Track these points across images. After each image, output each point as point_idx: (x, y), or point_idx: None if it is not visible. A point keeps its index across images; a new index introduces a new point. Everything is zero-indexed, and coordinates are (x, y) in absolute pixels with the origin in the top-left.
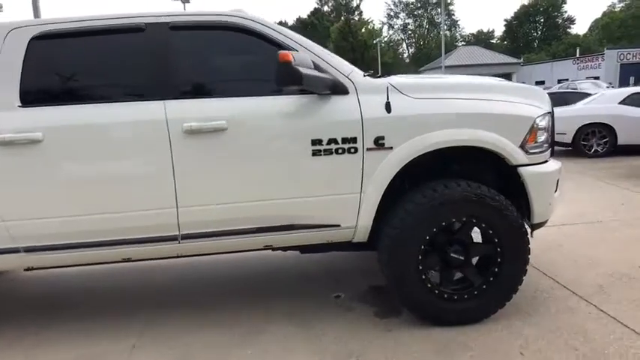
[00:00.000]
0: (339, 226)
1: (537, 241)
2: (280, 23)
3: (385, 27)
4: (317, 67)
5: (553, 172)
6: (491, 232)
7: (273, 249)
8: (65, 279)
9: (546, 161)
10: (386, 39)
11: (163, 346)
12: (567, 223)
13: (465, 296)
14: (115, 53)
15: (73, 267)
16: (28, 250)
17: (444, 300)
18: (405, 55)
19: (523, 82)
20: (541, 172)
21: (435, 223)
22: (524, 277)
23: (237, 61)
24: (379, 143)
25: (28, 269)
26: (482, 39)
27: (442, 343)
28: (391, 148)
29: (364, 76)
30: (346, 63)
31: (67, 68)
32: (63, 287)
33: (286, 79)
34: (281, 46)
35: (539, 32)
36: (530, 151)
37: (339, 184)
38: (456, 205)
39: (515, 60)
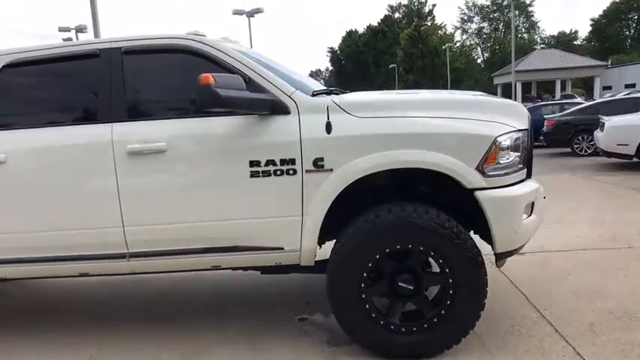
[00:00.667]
0: (282, 249)
1: (542, 267)
2: (350, 32)
3: (458, 32)
4: (259, 88)
5: (520, 196)
6: (441, 261)
7: (224, 269)
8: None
9: (514, 184)
10: (459, 44)
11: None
12: (590, 247)
13: (414, 329)
14: (73, 78)
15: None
16: None
17: (391, 332)
18: (480, 60)
19: (609, 87)
20: (502, 197)
21: (377, 249)
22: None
23: (183, 82)
24: (318, 165)
25: None
26: (563, 41)
27: None
28: (331, 170)
29: (330, 93)
30: (286, 84)
31: (28, 93)
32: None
33: (207, 101)
34: (226, 68)
35: (632, 30)
36: (490, 173)
37: (280, 207)
38: (398, 231)
39: (598, 62)
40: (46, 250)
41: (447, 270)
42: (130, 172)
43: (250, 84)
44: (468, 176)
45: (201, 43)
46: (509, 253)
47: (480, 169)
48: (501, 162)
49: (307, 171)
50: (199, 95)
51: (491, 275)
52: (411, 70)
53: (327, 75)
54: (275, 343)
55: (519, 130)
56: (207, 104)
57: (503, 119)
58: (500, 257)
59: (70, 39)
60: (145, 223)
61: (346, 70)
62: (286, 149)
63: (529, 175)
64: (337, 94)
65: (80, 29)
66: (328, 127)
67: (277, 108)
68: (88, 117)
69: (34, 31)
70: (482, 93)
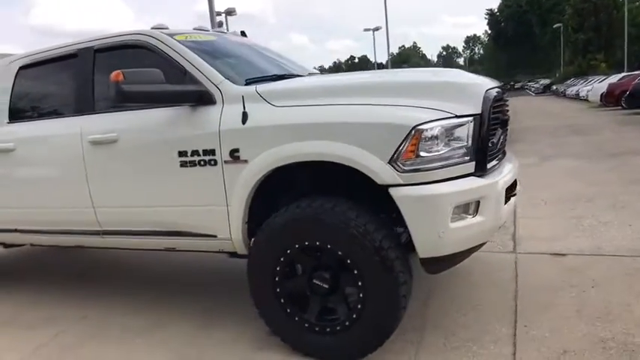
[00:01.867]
0: (215, 236)
1: (573, 273)
2: None
3: None
4: (192, 79)
5: (444, 195)
6: (349, 261)
7: (179, 251)
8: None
9: (452, 179)
10: None
11: (104, 321)
12: None
13: (328, 329)
14: (60, 76)
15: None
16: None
17: (306, 330)
18: None
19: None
20: (421, 195)
21: (287, 244)
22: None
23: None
24: (234, 156)
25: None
26: None
27: None
28: (246, 161)
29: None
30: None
31: (33, 91)
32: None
33: (115, 97)
34: (169, 61)
35: None
36: (407, 168)
37: (207, 196)
38: (305, 227)
39: None
40: (45, 224)
41: (356, 271)
42: (94, 159)
43: (186, 75)
44: (379, 171)
45: (153, 38)
46: (437, 260)
47: (394, 164)
48: (423, 155)
49: (225, 162)
50: (111, 91)
51: (498, 278)
52: (581, 28)
53: (486, 39)
54: (226, 324)
55: (461, 116)
56: (115, 99)
57: (440, 103)
58: (428, 264)
59: (220, 23)
60: (107, 205)
61: (506, 33)
62: (208, 140)
63: (481, 169)
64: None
65: (229, 12)
66: (244, 117)
67: (203, 98)
68: (70, 110)
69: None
70: (438, 70)
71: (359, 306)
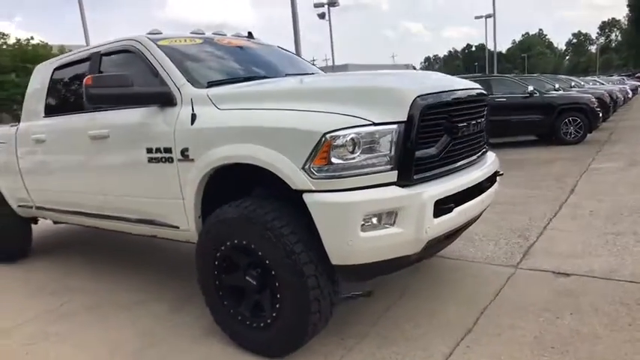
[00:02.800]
0: (178, 227)
1: (561, 297)
2: None
3: None
4: (162, 82)
5: (353, 204)
6: (267, 262)
7: (160, 238)
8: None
9: (370, 187)
10: None
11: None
12: None
13: (254, 325)
14: (77, 77)
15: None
16: (38, 208)
17: (239, 322)
18: None
19: None
20: (330, 202)
21: (220, 241)
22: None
23: (133, 77)
24: (184, 155)
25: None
26: None
27: None
28: (193, 160)
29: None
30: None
31: (61, 89)
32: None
33: (86, 99)
34: (147, 65)
35: None
36: (318, 174)
37: (168, 190)
38: (231, 226)
39: None
40: (68, 205)
41: (273, 272)
42: (92, 152)
43: (158, 77)
44: (293, 176)
45: (139, 43)
46: (357, 270)
47: (307, 169)
48: (335, 162)
49: (179, 160)
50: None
51: (477, 293)
52: None
53: (626, 24)
54: (192, 310)
55: (379, 124)
56: (86, 101)
57: (358, 110)
58: (342, 271)
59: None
60: (102, 192)
61: None
62: (166, 139)
63: (404, 179)
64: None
65: (332, 3)
66: (192, 119)
67: (166, 100)
68: (82, 107)
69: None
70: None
71: (277, 305)
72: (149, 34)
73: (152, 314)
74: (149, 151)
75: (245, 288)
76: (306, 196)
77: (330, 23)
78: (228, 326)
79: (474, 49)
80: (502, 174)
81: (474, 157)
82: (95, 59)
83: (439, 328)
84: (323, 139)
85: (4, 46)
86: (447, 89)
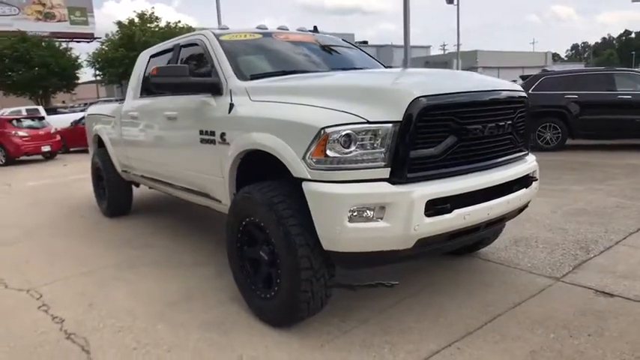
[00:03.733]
0: (220, 201)
1: (583, 316)
2: None
3: None
4: (215, 73)
5: (341, 195)
6: (273, 240)
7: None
8: None
9: (362, 181)
10: None
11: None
12: None
13: (262, 295)
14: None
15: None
16: (133, 173)
17: (252, 292)
18: None
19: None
20: (322, 192)
21: (240, 218)
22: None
23: (195, 67)
24: (223, 138)
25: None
26: None
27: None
28: (229, 144)
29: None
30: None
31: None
32: None
33: (152, 86)
34: (209, 57)
35: None
36: (315, 165)
37: (212, 168)
38: (248, 204)
39: None
40: (151, 174)
41: (275, 250)
42: (165, 129)
43: (213, 69)
44: (295, 165)
45: (204, 37)
46: (347, 258)
47: (306, 160)
48: (331, 155)
49: (219, 142)
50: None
51: (499, 300)
52: None
53: None
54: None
55: (374, 122)
56: (153, 88)
57: (358, 108)
58: (335, 258)
59: None
60: (171, 165)
61: None
62: (212, 123)
63: (397, 176)
64: None
65: None
66: (230, 108)
67: (216, 90)
68: (164, 92)
69: None
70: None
71: (278, 281)
72: (220, 29)
73: (198, 275)
74: (201, 132)
75: (260, 261)
76: (304, 184)
77: (457, 7)
78: (246, 293)
79: (633, 35)
80: (536, 179)
81: (494, 160)
82: (177, 49)
83: (440, 327)
84: (320, 133)
85: (157, 29)
86: (455, 91)
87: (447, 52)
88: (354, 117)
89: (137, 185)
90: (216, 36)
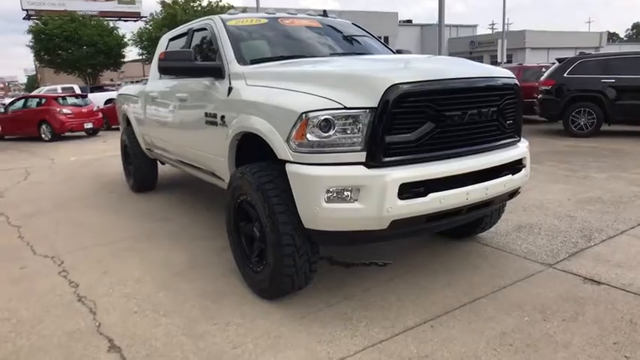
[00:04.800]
0: (224, 180)
1: (562, 301)
2: None
3: None
4: (219, 58)
5: (318, 177)
6: (260, 217)
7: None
8: None
9: (341, 164)
10: None
11: (176, 226)
12: None
13: (254, 268)
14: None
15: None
16: (154, 151)
17: (247, 265)
18: None
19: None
20: (301, 173)
21: (237, 195)
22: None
23: (205, 51)
24: (223, 120)
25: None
26: None
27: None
28: (227, 125)
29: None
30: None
31: None
32: None
33: (159, 70)
34: (215, 41)
35: None
36: (297, 148)
37: (216, 148)
38: (242, 183)
39: None
40: (166, 151)
41: (264, 227)
42: (178, 110)
43: (217, 53)
44: (279, 147)
45: (212, 21)
46: (325, 236)
47: (288, 143)
48: (310, 138)
49: (220, 124)
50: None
51: (485, 284)
52: None
53: None
54: None
55: (351, 108)
56: (159, 72)
57: (337, 94)
58: (314, 235)
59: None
60: (182, 144)
61: None
62: (214, 105)
63: (373, 160)
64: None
65: None
66: (229, 91)
67: (218, 74)
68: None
69: None
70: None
71: (266, 256)
72: (230, 14)
73: (205, 248)
74: (206, 114)
75: (253, 237)
76: (287, 166)
77: None
78: (241, 266)
79: None
80: (524, 165)
81: (475, 146)
82: (190, 34)
83: (419, 306)
84: (302, 117)
85: (199, 8)
86: (433, 78)
87: (494, 31)
88: (333, 102)
89: (163, 163)
90: (224, 21)
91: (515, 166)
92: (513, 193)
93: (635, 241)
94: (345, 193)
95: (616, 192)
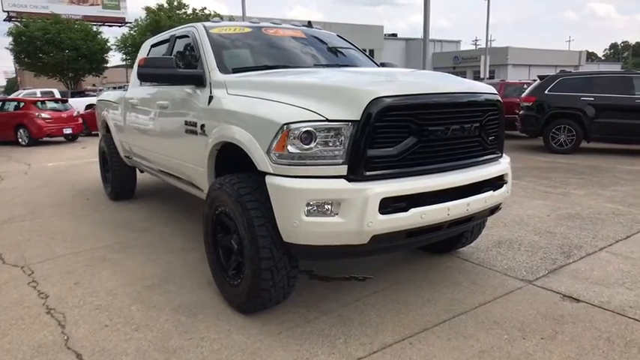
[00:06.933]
0: (203, 190)
1: (536, 321)
2: None
3: None
4: (201, 65)
5: (298, 190)
6: (239, 230)
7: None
8: None
9: (322, 177)
10: None
11: (156, 236)
12: None
13: (231, 282)
14: (162, 54)
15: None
16: (132, 159)
17: (223, 278)
18: None
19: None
20: (281, 186)
21: (215, 206)
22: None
23: (187, 58)
24: (203, 129)
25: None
26: None
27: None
28: (207, 135)
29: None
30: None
31: None
32: None
33: (138, 76)
34: (197, 48)
35: None
36: (277, 160)
37: (195, 158)
38: (220, 194)
39: None
40: (148, 161)
41: (242, 240)
42: (158, 117)
43: (199, 61)
44: (259, 159)
45: (195, 29)
46: (305, 250)
47: (269, 154)
48: (291, 150)
49: (199, 133)
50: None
51: (462, 299)
52: None
53: None
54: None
55: (332, 121)
56: (138, 79)
57: (320, 106)
58: (293, 249)
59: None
60: (162, 153)
61: None
62: (195, 114)
63: (354, 173)
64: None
65: None
66: (209, 100)
67: (199, 82)
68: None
69: None
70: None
71: (243, 269)
72: (212, 21)
73: (183, 259)
74: (186, 123)
75: (231, 249)
76: (267, 178)
77: (488, 1)
78: (218, 279)
79: None
80: (506, 182)
81: (457, 161)
82: (172, 40)
83: (399, 322)
84: (283, 128)
85: (184, 15)
86: (416, 92)
87: (478, 47)
88: (315, 114)
89: (142, 171)
90: (206, 28)
91: (496, 182)
92: (494, 209)
93: (613, 258)
94: (326, 206)
95: (594, 209)
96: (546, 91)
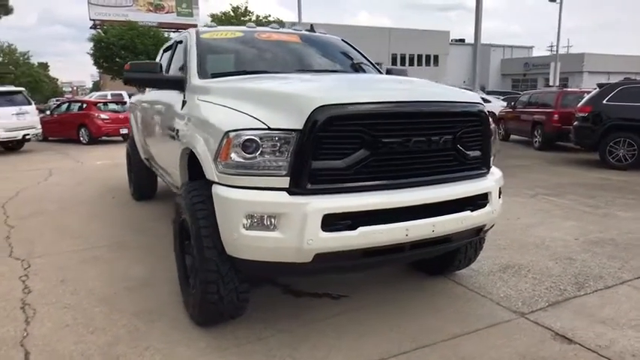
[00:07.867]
0: None
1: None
2: None
3: None
4: (185, 71)
5: (235, 201)
6: (192, 239)
7: None
8: None
9: (265, 188)
10: None
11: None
12: None
13: (189, 291)
14: (167, 59)
15: None
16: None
17: (187, 284)
18: None
19: None
20: (222, 196)
21: (178, 213)
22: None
23: (181, 62)
24: (177, 134)
25: None
26: None
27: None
28: (179, 139)
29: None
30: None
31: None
32: None
33: (124, 81)
34: (186, 53)
35: None
36: (222, 169)
37: (175, 162)
38: (180, 202)
39: None
40: (156, 162)
41: (192, 250)
42: (156, 121)
43: (184, 65)
44: (207, 167)
45: (188, 34)
46: (248, 265)
47: (216, 162)
48: (235, 159)
49: (175, 138)
50: None
51: (431, 328)
52: None
53: None
54: None
55: (274, 130)
56: (124, 83)
57: (266, 113)
58: (237, 263)
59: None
60: (160, 155)
61: None
62: (173, 119)
63: (297, 186)
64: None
65: None
66: (182, 105)
67: (180, 86)
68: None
69: None
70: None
71: (195, 279)
72: (207, 26)
73: (169, 263)
74: (168, 127)
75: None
76: (212, 187)
77: (560, 6)
78: (182, 287)
79: None
80: (488, 201)
81: (422, 177)
82: (174, 45)
83: (355, 348)
84: (227, 135)
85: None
86: (368, 100)
87: (552, 53)
88: (258, 122)
89: None
90: (198, 34)
91: (476, 202)
92: (479, 230)
93: (635, 294)
94: (267, 220)
95: (635, 234)
96: (604, 101)
